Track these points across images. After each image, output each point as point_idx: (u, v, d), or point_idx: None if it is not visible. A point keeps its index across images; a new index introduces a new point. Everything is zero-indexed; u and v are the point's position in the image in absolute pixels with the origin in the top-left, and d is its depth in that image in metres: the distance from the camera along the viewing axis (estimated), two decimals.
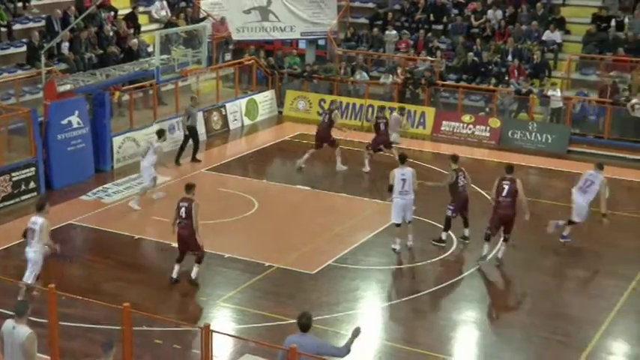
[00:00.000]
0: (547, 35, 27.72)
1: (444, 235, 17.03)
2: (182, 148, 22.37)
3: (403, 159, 16.90)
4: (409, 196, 16.56)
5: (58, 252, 14.25)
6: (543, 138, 24.42)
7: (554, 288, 15.57)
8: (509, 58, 27.08)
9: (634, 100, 24.18)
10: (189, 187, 15.10)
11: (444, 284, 15.61)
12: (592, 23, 27.84)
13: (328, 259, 16.31)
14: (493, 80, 26.51)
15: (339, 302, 14.67)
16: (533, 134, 24.56)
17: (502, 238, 16.24)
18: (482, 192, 18.94)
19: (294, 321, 10.18)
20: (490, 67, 26.97)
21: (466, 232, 17.19)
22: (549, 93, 25.01)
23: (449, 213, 16.97)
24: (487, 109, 25.98)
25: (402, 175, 16.53)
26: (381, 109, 23.22)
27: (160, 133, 19.61)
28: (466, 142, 24.76)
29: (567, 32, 28.29)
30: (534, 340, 13.76)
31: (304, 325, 10.00)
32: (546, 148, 24.11)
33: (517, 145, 24.50)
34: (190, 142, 22.41)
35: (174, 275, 15.16)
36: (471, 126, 25.31)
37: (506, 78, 26.49)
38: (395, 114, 23.25)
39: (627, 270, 16.16)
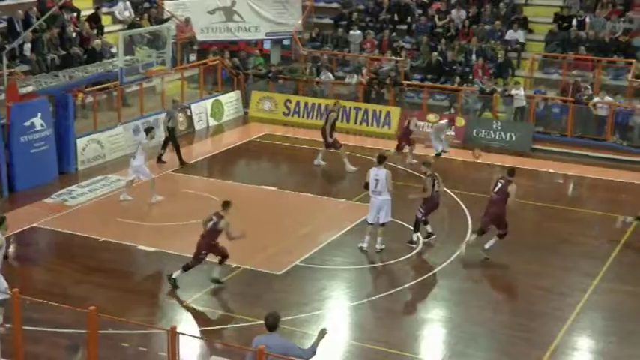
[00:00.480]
0: (510, 35, 27.99)
1: (414, 237, 17.11)
2: (177, 147, 22.27)
3: (381, 159, 16.89)
4: (382, 196, 16.60)
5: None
6: (507, 136, 24.62)
7: (520, 285, 15.72)
8: (473, 57, 27.31)
9: (596, 99, 24.48)
10: (225, 205, 14.92)
11: (410, 283, 15.70)
12: (554, 22, 28.15)
13: (295, 260, 16.31)
14: (457, 79, 26.71)
15: (306, 302, 14.68)
16: (498, 133, 24.75)
17: (496, 234, 16.53)
18: (448, 191, 19.05)
19: (262, 322, 10.18)
20: (454, 67, 27.17)
21: (428, 228, 17.27)
22: (513, 92, 25.24)
23: (419, 216, 17.05)
24: (452, 109, 26.13)
25: (375, 175, 16.61)
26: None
27: (148, 131, 19.67)
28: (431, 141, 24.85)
29: (530, 32, 28.57)
30: (500, 337, 13.88)
31: (271, 325, 10.02)
32: (510, 147, 24.31)
33: (482, 143, 24.61)
34: (161, 142, 22.35)
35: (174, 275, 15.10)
36: (436, 125, 25.39)
37: (471, 77, 26.71)
38: (442, 122, 23.11)
39: (590, 267, 16.35)
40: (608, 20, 27.51)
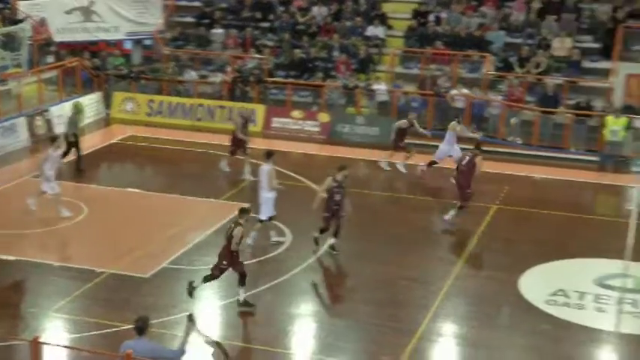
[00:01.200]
0: (371, 31, 28.54)
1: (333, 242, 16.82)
2: (78, 155, 21.60)
3: (267, 155, 17.02)
4: (262, 192, 16.76)
5: None
6: (371, 131, 25.12)
7: (387, 276, 16.02)
8: (336, 53, 27.70)
9: (454, 92, 25.29)
10: (242, 212, 14.31)
11: (280, 279, 15.75)
12: (413, 18, 28.87)
13: (163, 262, 16.12)
14: (320, 76, 27.02)
15: (175, 304, 14.52)
16: (361, 127, 25.23)
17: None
18: (313, 186, 19.21)
19: (130, 326, 10.04)
20: (317, 63, 27.48)
21: (316, 233, 16.98)
22: (375, 87, 25.77)
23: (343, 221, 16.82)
24: (316, 105, 26.44)
25: (261, 170, 16.87)
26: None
27: (53, 140, 18.99)
28: (297, 137, 25.09)
29: (390, 27, 29.18)
30: (369, 328, 14.14)
31: (139, 329, 9.90)
32: (374, 141, 24.79)
33: (346, 138, 25.10)
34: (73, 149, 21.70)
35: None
36: (301, 121, 25.70)
37: (333, 73, 27.09)
38: (459, 126, 21.89)
39: (451, 255, 16.91)
40: (464, 15, 28.44)
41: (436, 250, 17.28)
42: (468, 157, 18.32)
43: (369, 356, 13.34)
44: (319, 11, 29.56)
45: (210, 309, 14.69)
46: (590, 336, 13.90)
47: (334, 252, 16.68)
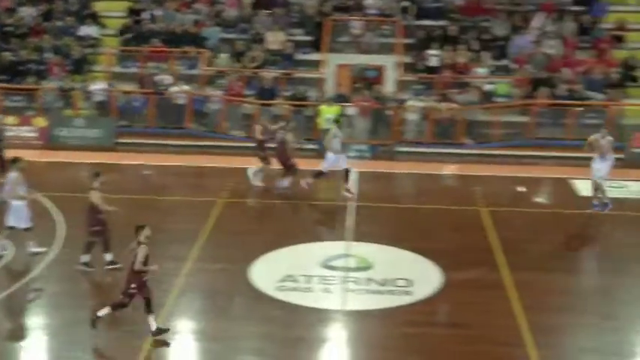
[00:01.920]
0: (83, 30, 27.90)
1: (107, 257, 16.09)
2: None
3: (12, 161, 16.41)
4: (9, 200, 16.11)
5: None
6: (91, 133, 24.61)
7: (116, 279, 15.70)
8: (48, 55, 26.78)
9: (174, 88, 25.35)
10: (138, 229, 13.22)
11: (6, 292, 15.01)
12: (127, 17, 28.54)
13: None
14: (34, 79, 26.00)
15: None
16: (81, 130, 24.64)
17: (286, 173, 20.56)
18: (38, 193, 18.48)
19: None
20: (29, 66, 26.43)
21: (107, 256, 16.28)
22: (92, 88, 25.25)
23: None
24: (31, 109, 25.40)
25: (7, 177, 16.19)
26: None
27: None
28: (12, 144, 23.87)
29: (103, 26, 28.66)
30: (103, 334, 13.75)
31: None
32: (95, 143, 24.32)
33: (65, 142, 24.40)
34: None
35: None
36: (15, 127, 24.56)
37: (47, 75, 26.17)
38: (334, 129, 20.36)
39: (181, 251, 16.92)
40: (178, 12, 28.55)
41: (166, 249, 17.16)
42: (280, 136, 20.42)
43: None
44: (28, 11, 28.39)
45: None
46: (319, 316, 14.56)
47: (116, 266, 15.96)
